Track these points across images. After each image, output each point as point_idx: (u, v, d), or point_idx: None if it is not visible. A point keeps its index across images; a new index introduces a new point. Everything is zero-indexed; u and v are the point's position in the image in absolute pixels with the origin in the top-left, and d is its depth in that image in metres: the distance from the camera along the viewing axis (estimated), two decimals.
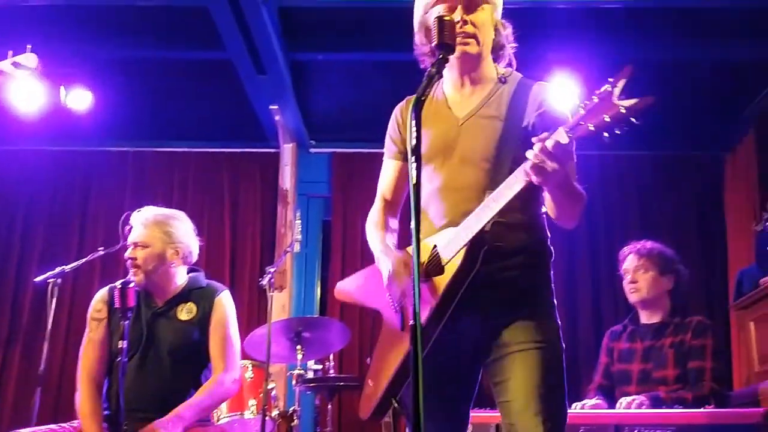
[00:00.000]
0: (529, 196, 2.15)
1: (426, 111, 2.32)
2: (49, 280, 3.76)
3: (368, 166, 5.88)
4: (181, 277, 3.38)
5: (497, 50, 2.35)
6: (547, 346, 2.17)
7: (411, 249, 1.69)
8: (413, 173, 1.74)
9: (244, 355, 4.03)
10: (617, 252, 4.05)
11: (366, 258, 5.69)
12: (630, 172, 6.06)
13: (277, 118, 5.73)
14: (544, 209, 2.29)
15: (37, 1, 4.69)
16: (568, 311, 5.60)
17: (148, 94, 5.79)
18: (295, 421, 4.28)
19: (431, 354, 2.02)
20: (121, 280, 2.98)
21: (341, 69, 5.66)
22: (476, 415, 3.23)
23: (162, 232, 3.31)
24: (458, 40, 2.09)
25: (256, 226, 6.12)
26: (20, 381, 5.77)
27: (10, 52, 3.41)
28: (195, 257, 3.44)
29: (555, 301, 2.26)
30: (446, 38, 1.98)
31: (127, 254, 3.31)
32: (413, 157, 1.75)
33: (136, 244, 3.29)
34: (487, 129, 2.25)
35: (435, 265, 2.15)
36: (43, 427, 3.12)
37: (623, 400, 3.51)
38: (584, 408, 3.58)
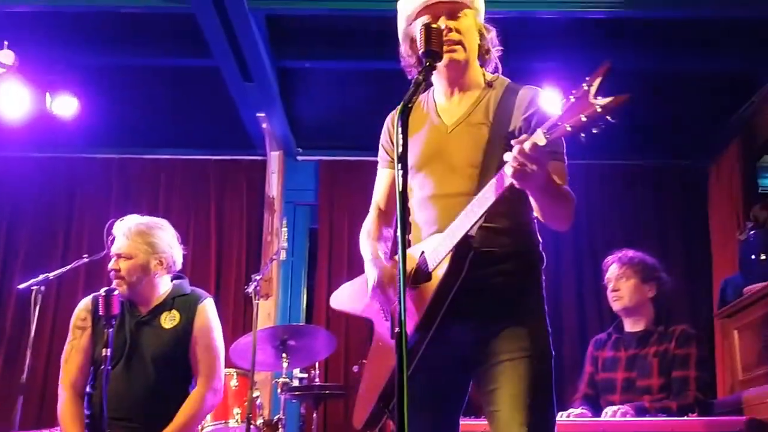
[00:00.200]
0: (517, 200, 2.15)
1: (417, 119, 2.34)
2: (32, 288, 3.73)
3: (355, 174, 5.91)
4: (164, 285, 3.36)
5: (483, 54, 2.35)
6: (536, 355, 2.16)
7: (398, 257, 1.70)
8: (399, 180, 1.74)
9: (229, 363, 4.02)
10: (602, 261, 4.08)
11: (352, 266, 5.70)
12: (614, 182, 6.08)
13: (263, 125, 5.72)
14: (534, 215, 2.29)
15: (22, 8, 4.66)
16: (553, 320, 5.50)
17: (134, 100, 5.77)
18: (280, 430, 4.26)
19: (422, 364, 2.02)
20: (106, 288, 2.96)
21: (329, 77, 5.66)
22: (465, 423, 3.22)
23: (145, 243, 3.28)
24: (444, 48, 2.09)
25: (242, 233, 6.09)
26: (2, 388, 5.70)
27: None
28: (179, 266, 3.42)
29: (546, 308, 2.26)
30: (433, 45, 1.99)
31: (110, 266, 3.29)
32: (399, 165, 1.75)
33: (119, 256, 3.27)
34: (475, 135, 2.25)
35: (422, 272, 2.15)
36: None
37: (608, 410, 3.52)
38: (569, 417, 3.59)
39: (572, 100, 1.75)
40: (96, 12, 4.80)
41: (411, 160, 2.16)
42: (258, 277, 4.09)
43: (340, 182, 6.15)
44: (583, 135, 1.75)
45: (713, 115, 5.65)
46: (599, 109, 1.69)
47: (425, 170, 2.29)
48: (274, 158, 6.15)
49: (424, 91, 2.40)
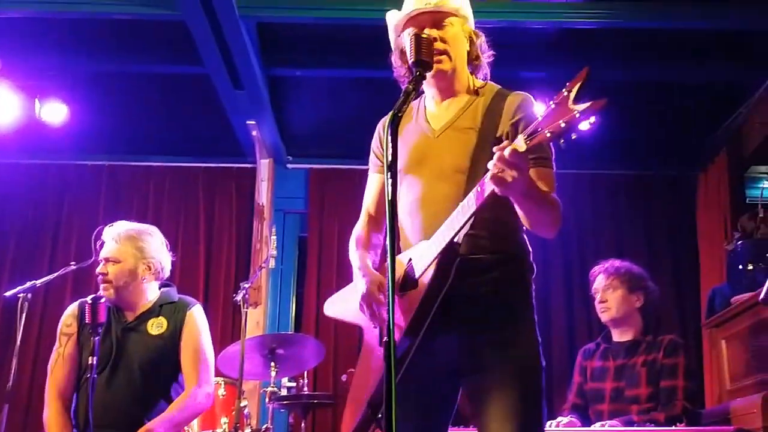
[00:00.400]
0: (504, 207, 2.13)
1: (406, 125, 2.34)
2: (19, 295, 3.70)
3: (345, 182, 5.91)
4: (152, 292, 3.35)
5: (473, 60, 2.35)
6: (526, 365, 2.16)
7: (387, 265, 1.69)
8: (389, 189, 1.74)
9: (217, 372, 3.99)
10: (590, 270, 4.09)
11: (342, 275, 5.69)
12: (603, 191, 6.11)
13: (254, 133, 5.71)
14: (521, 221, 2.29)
15: (12, 13, 4.65)
16: (542, 329, 5.53)
17: (124, 107, 5.75)
18: None
19: (410, 372, 2.01)
20: (92, 295, 2.95)
21: (319, 85, 5.67)
22: None
23: (134, 248, 3.28)
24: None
25: (231, 241, 6.08)
26: None
27: None
28: (167, 272, 3.41)
29: (536, 318, 2.26)
30: (423, 55, 2.00)
31: (98, 270, 3.28)
32: (389, 173, 1.75)
33: (107, 260, 3.26)
34: (462, 140, 2.25)
35: (409, 279, 2.15)
36: None
37: (598, 425, 3.52)
38: (559, 427, 3.59)
39: (552, 106, 1.75)
40: (86, 18, 4.78)
41: (399, 164, 2.16)
42: (247, 285, 4.08)
43: (330, 190, 6.15)
44: (563, 141, 1.74)
45: (701, 126, 5.68)
46: (577, 115, 1.68)
47: (412, 174, 2.29)
48: (264, 166, 6.15)
49: (415, 99, 2.40)
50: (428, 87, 2.36)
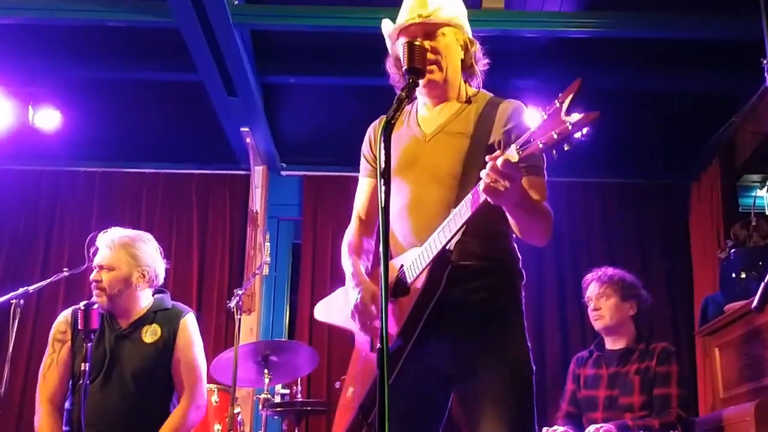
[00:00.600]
0: (495, 216, 2.15)
1: (398, 128, 2.35)
2: (11, 301, 3.70)
3: (339, 189, 5.91)
4: (146, 299, 3.33)
5: (467, 68, 2.37)
6: (516, 371, 2.17)
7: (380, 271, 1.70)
8: (382, 197, 1.75)
9: (210, 379, 3.98)
10: (583, 278, 4.09)
11: (335, 282, 5.65)
12: (596, 200, 6.12)
13: (247, 140, 5.71)
14: (513, 230, 2.30)
15: (5, 20, 4.65)
16: (535, 337, 5.62)
17: (118, 114, 5.75)
18: None
19: (400, 380, 2.02)
20: (85, 302, 2.94)
21: (313, 92, 5.68)
22: None
23: (128, 255, 3.27)
24: None
25: (224, 248, 6.07)
26: None
27: None
28: (161, 279, 3.40)
29: (525, 324, 2.26)
30: (416, 63, 2.01)
31: (92, 277, 3.27)
32: (382, 181, 1.75)
33: (101, 267, 3.25)
34: (453, 145, 2.26)
35: (401, 286, 2.15)
36: None
37: (591, 428, 3.52)
38: None
39: (545, 116, 1.76)
40: (79, 25, 4.79)
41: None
42: (240, 292, 4.07)
43: (324, 197, 6.15)
44: (555, 152, 1.75)
45: (694, 134, 5.70)
46: (570, 127, 1.69)
47: (401, 177, 2.29)
48: (258, 173, 6.15)
49: (408, 104, 2.41)
50: (420, 94, 2.38)
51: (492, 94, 2.38)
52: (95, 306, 2.94)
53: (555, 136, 1.72)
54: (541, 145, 1.76)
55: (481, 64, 2.40)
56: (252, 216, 6.01)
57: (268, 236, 5.08)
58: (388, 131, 1.83)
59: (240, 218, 6.14)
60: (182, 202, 6.15)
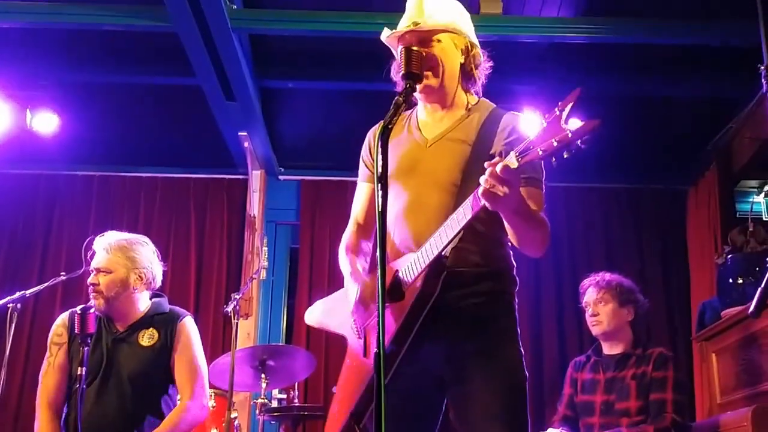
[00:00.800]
0: (491, 223, 2.17)
1: (398, 132, 2.36)
2: (8, 305, 3.69)
3: (337, 193, 5.92)
4: (143, 302, 3.33)
5: (467, 73, 2.36)
6: (510, 377, 2.17)
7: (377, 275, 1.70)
8: (379, 201, 1.75)
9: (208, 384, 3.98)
10: (581, 283, 4.09)
11: (333, 286, 5.64)
12: (594, 205, 6.13)
13: (245, 144, 5.71)
14: (510, 239, 2.30)
15: (3, 24, 4.65)
16: (533, 342, 5.62)
17: (116, 118, 5.75)
18: None
19: (395, 384, 2.01)
20: (82, 306, 2.93)
21: (311, 97, 5.68)
22: None
23: (125, 258, 3.26)
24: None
25: (222, 252, 6.07)
26: None
27: None
28: (159, 283, 3.40)
29: (519, 330, 2.27)
30: (413, 68, 2.01)
31: (89, 280, 3.26)
32: (379, 185, 1.76)
33: (98, 270, 3.24)
34: (455, 152, 2.26)
35: (396, 290, 2.15)
36: None
37: None
38: None
39: (544, 124, 1.77)
40: (78, 29, 4.78)
41: (388, 170, 2.17)
42: (238, 296, 4.07)
43: (322, 202, 6.15)
44: (554, 159, 1.76)
45: (692, 140, 5.72)
46: (570, 134, 1.70)
47: (400, 182, 2.29)
48: (256, 177, 6.15)
49: (407, 109, 2.41)
50: (419, 99, 2.38)
51: (494, 104, 2.38)
52: (92, 310, 2.93)
53: (555, 144, 1.73)
54: (540, 153, 1.77)
55: (484, 69, 2.39)
56: (250, 220, 6.01)
57: (265, 240, 5.09)
58: (385, 136, 1.83)
59: (238, 222, 6.14)
60: (180, 206, 6.15)
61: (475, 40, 2.38)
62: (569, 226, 5.96)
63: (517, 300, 2.30)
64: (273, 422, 4.73)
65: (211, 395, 4.13)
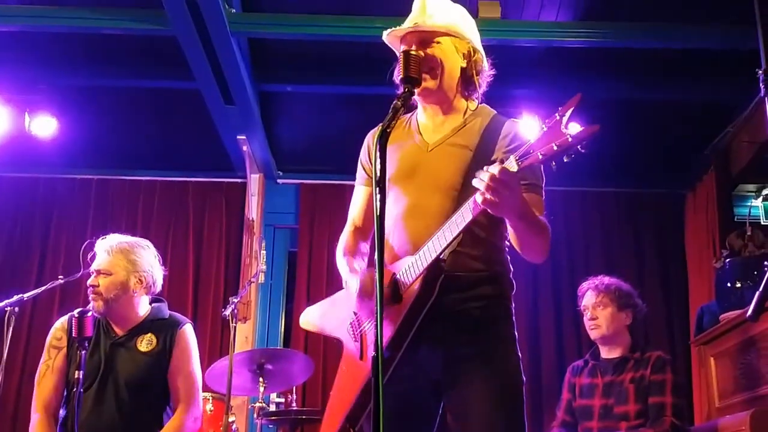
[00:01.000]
0: (489, 227, 2.18)
1: (398, 136, 2.36)
2: (6, 308, 3.69)
3: (335, 198, 5.92)
4: (143, 307, 3.32)
5: (467, 79, 2.34)
6: (506, 381, 2.16)
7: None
8: (377, 205, 1.75)
9: (205, 388, 3.97)
10: (579, 286, 4.09)
11: (331, 290, 5.63)
12: (593, 209, 6.13)
13: (244, 148, 5.72)
14: (507, 242, 2.30)
15: (2, 27, 4.65)
16: (531, 346, 5.62)
17: (114, 122, 5.75)
18: None
19: (391, 387, 2.01)
20: (79, 309, 2.92)
21: (310, 101, 5.68)
22: None
23: (126, 261, 3.26)
24: None
25: (220, 256, 6.07)
26: None
27: None
28: (159, 287, 3.38)
29: (516, 334, 2.27)
30: (411, 72, 2.02)
31: (89, 281, 3.25)
32: (377, 189, 1.76)
33: (98, 272, 3.24)
34: (456, 157, 2.26)
35: (395, 292, 2.15)
36: None
37: None
38: None
39: (544, 129, 1.78)
40: (76, 33, 4.78)
41: (387, 173, 2.17)
42: (236, 300, 4.06)
43: (320, 206, 6.15)
44: (554, 164, 1.78)
45: (690, 144, 5.72)
46: (570, 139, 1.72)
47: (400, 185, 2.29)
48: (255, 181, 6.15)
49: (406, 113, 2.41)
50: (419, 101, 2.37)
51: (495, 111, 2.38)
52: (89, 313, 2.92)
53: (555, 148, 1.74)
54: (540, 157, 1.78)
55: (486, 76, 2.39)
56: (248, 224, 6.01)
57: (264, 244, 5.09)
58: (384, 140, 1.83)
59: (236, 226, 6.14)
60: (178, 209, 6.15)
61: (479, 47, 2.38)
62: (567, 230, 5.96)
63: (514, 304, 2.30)
64: (271, 426, 4.73)
65: (208, 399, 4.13)
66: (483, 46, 2.41)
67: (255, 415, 4.42)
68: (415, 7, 2.38)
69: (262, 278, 4.75)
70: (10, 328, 3.62)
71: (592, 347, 3.96)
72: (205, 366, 3.73)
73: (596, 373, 3.82)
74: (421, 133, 2.37)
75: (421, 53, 2.18)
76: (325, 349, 5.66)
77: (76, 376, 2.85)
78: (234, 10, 4.44)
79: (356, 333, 2.28)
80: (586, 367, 3.89)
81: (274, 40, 5.01)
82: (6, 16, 4.57)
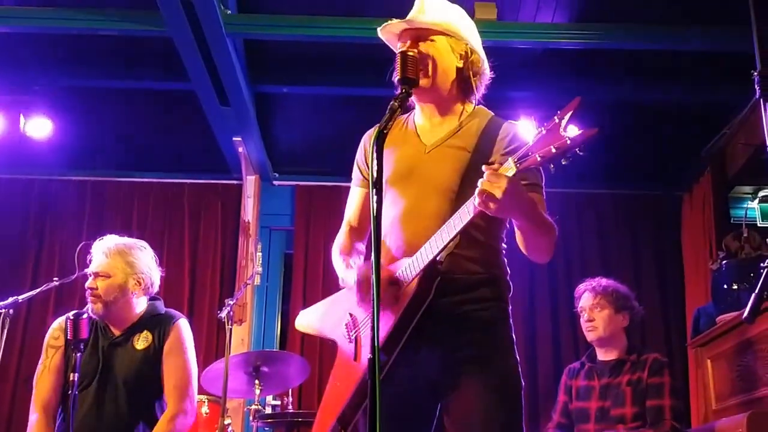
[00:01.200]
0: (487, 229, 2.18)
1: (395, 137, 2.34)
2: (1, 310, 3.67)
3: (331, 199, 5.91)
4: (140, 306, 3.31)
5: (464, 79, 2.33)
6: (504, 384, 2.16)
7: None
8: (374, 207, 1.74)
9: (201, 390, 3.96)
10: (575, 288, 4.09)
11: (328, 292, 5.63)
12: (590, 210, 6.14)
13: (240, 150, 5.71)
14: (504, 245, 2.30)
15: None
16: (527, 347, 5.62)
17: (110, 123, 5.74)
18: None
19: (389, 388, 2.00)
20: (74, 312, 2.92)
21: (305, 102, 5.68)
22: None
23: (124, 262, 3.25)
24: None
25: (216, 258, 6.06)
26: None
27: None
28: (156, 288, 3.38)
29: (514, 337, 2.26)
30: (408, 72, 2.01)
31: (87, 284, 3.24)
32: (374, 190, 1.75)
33: (97, 274, 3.23)
34: (454, 158, 2.25)
35: (393, 287, 2.14)
36: None
37: None
38: None
39: (543, 131, 1.79)
40: (72, 34, 4.77)
41: (384, 174, 2.15)
42: (232, 302, 4.05)
43: (316, 207, 6.15)
44: (552, 166, 1.79)
45: (686, 146, 5.73)
46: (568, 141, 1.73)
47: (397, 187, 2.28)
48: (250, 183, 6.14)
49: (403, 114, 2.40)
50: (416, 101, 2.36)
51: (492, 113, 2.38)
52: (84, 315, 2.92)
53: (553, 150, 1.75)
54: (539, 159, 1.79)
55: (485, 77, 2.37)
56: (244, 226, 6.00)
57: (260, 246, 5.08)
58: (380, 141, 1.83)
59: (232, 228, 6.13)
60: (174, 211, 6.14)
61: (477, 48, 2.36)
62: (564, 232, 5.90)
63: (511, 306, 2.29)
64: (267, 428, 4.72)
65: (204, 401, 4.11)
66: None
67: (251, 418, 4.42)
68: (414, 6, 2.37)
69: (257, 280, 4.73)
70: (5, 330, 3.61)
71: (589, 349, 3.95)
72: (200, 368, 3.71)
73: (593, 375, 3.81)
74: (418, 135, 2.36)
75: (415, 51, 2.17)
76: (321, 352, 5.65)
77: (71, 378, 2.84)
78: (229, 11, 4.43)
79: (351, 334, 2.27)
80: (583, 369, 3.88)
81: (270, 42, 5.01)
82: (0, 17, 4.56)
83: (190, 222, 6.12)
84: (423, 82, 2.24)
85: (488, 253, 2.25)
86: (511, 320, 2.27)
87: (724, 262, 4.15)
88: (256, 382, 4.33)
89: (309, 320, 2.53)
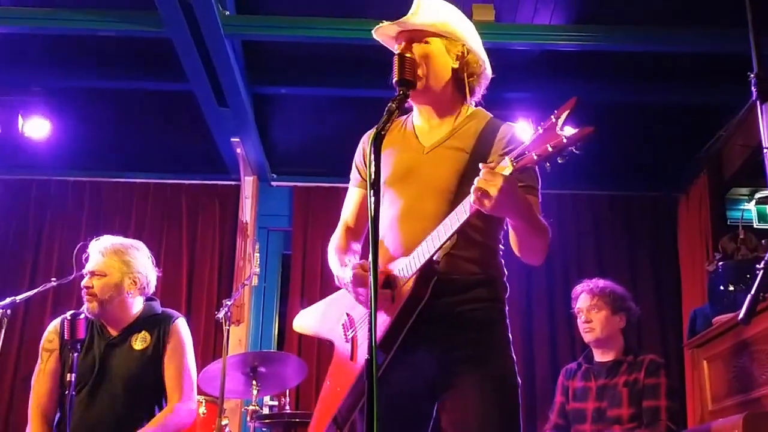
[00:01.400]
0: (485, 230, 2.18)
1: (394, 138, 2.35)
2: None
3: (329, 200, 5.92)
4: (136, 306, 3.31)
5: (459, 80, 2.33)
6: (501, 383, 2.16)
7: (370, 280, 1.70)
8: (372, 207, 1.75)
9: (198, 390, 3.94)
10: (573, 289, 4.09)
11: (325, 292, 5.63)
12: (586, 212, 6.15)
13: (238, 150, 5.71)
14: (502, 246, 2.30)
15: None
16: (524, 348, 5.63)
17: (108, 124, 5.74)
18: None
19: (386, 388, 2.01)
20: (71, 312, 2.92)
21: (304, 103, 5.68)
22: None
23: (120, 262, 3.26)
24: None
25: (214, 258, 6.06)
26: None
27: None
28: (152, 288, 3.39)
29: (510, 337, 2.26)
30: (406, 74, 2.02)
31: (83, 283, 3.25)
32: (371, 191, 1.76)
33: (93, 273, 3.23)
34: (452, 159, 2.26)
35: (388, 284, 2.15)
36: None
37: None
38: None
39: (540, 130, 1.79)
40: (70, 35, 4.78)
41: (383, 175, 2.16)
42: (229, 303, 4.06)
43: (314, 208, 6.15)
44: (548, 164, 1.80)
45: (683, 147, 5.74)
46: (565, 140, 1.73)
47: (395, 188, 2.29)
48: (248, 183, 6.15)
49: (401, 115, 2.40)
50: (414, 104, 2.37)
51: (491, 114, 2.38)
52: (81, 316, 2.92)
53: (549, 149, 1.76)
54: (535, 157, 1.79)
55: (484, 78, 2.37)
56: (242, 226, 6.00)
57: (257, 247, 5.08)
58: (378, 143, 1.83)
59: (230, 229, 6.13)
60: (172, 212, 6.14)
61: (476, 49, 2.35)
62: (560, 233, 5.96)
63: (507, 307, 2.30)
64: (264, 429, 4.72)
65: (201, 402, 4.11)
66: None
67: (248, 418, 4.42)
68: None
69: (255, 281, 4.74)
70: (3, 331, 3.60)
71: (586, 350, 3.96)
72: (198, 368, 3.72)
73: (589, 376, 3.82)
74: (417, 136, 2.36)
75: (410, 53, 2.17)
76: (318, 352, 5.66)
77: (68, 378, 2.85)
78: (228, 13, 4.44)
79: (347, 334, 2.27)
80: (580, 370, 3.89)
81: (268, 43, 5.01)
82: None
83: (188, 222, 6.12)
84: (416, 83, 2.25)
85: (486, 253, 2.25)
86: (507, 320, 2.27)
87: (720, 263, 4.16)
88: (254, 382, 4.34)
89: (306, 321, 2.54)
